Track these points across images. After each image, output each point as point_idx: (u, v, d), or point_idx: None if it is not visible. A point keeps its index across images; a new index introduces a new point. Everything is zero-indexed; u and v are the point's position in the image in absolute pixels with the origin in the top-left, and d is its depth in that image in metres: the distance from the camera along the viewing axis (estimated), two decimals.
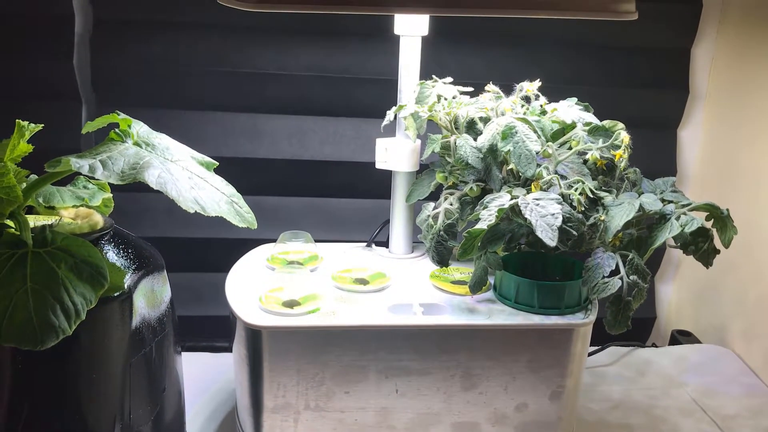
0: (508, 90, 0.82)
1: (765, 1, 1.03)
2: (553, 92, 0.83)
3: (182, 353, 0.79)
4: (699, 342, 1.12)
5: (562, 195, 0.72)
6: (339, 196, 1.12)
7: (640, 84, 1.13)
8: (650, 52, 1.12)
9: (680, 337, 1.13)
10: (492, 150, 0.75)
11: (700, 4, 1.11)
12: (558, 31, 1.08)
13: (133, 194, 0.95)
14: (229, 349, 0.80)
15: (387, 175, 0.88)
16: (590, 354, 1.02)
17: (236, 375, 0.77)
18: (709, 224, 0.75)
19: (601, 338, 0.97)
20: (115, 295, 0.64)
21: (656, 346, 1.10)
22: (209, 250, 1.08)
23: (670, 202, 0.75)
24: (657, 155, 1.16)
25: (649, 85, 1.13)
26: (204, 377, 0.93)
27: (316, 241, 0.89)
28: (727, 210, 0.74)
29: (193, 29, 1.03)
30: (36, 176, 0.66)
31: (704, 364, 1.04)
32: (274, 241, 0.89)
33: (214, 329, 1.05)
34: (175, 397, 0.76)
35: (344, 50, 1.06)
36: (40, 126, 0.65)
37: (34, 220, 0.67)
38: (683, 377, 1.00)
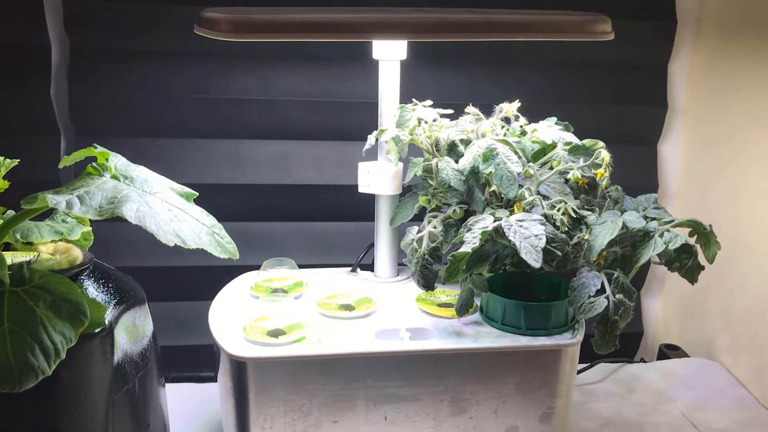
0: (488, 111, 0.82)
1: (738, 18, 1.04)
2: (533, 112, 0.84)
3: (166, 384, 0.78)
4: (687, 356, 1.12)
5: (545, 215, 0.72)
6: (323, 220, 1.11)
7: (618, 100, 1.14)
8: (627, 69, 1.13)
9: (668, 351, 1.13)
10: (474, 172, 0.74)
11: (674, 20, 1.12)
12: (535, 51, 1.09)
13: (113, 224, 0.93)
14: (214, 379, 0.79)
15: (371, 198, 0.88)
16: (579, 371, 1.02)
17: (222, 406, 0.76)
18: (692, 240, 0.75)
19: (589, 355, 0.96)
20: (96, 331, 0.62)
21: (644, 361, 1.10)
22: (192, 279, 1.07)
23: (653, 219, 0.75)
24: (638, 170, 1.16)
25: (628, 101, 1.14)
26: (189, 408, 0.92)
27: (302, 265, 0.89)
28: (710, 226, 0.74)
29: (172, 57, 1.03)
30: (13, 211, 0.65)
31: (693, 377, 1.04)
32: (259, 267, 0.88)
33: (198, 358, 1.04)
34: None
35: (325, 75, 1.06)
36: (16, 161, 0.64)
37: (11, 257, 0.66)
38: (672, 392, 1.00)
